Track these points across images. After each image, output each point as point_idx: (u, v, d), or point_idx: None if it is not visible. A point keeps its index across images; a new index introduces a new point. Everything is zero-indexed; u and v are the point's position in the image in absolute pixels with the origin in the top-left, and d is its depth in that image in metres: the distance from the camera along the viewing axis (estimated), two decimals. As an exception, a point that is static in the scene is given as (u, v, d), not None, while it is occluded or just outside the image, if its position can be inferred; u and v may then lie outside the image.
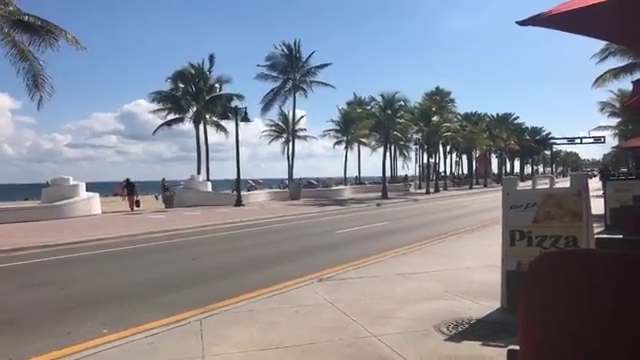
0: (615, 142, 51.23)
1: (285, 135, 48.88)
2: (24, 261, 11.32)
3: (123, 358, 4.44)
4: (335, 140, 53.27)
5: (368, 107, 48.47)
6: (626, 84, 31.22)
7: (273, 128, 51.05)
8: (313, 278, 7.89)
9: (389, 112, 40.68)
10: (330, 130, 52.50)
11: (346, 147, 51.62)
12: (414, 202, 34.73)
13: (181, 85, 37.58)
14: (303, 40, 44.62)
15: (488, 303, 5.65)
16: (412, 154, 63.50)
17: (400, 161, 64.11)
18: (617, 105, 41.75)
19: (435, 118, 48.37)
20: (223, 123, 38.42)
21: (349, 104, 53.91)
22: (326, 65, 43.74)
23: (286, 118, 47.70)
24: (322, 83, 43.38)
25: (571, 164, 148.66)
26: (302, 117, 49.80)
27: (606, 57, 29.08)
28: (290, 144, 45.03)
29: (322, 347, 4.49)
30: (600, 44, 27.61)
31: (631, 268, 1.63)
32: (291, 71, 42.40)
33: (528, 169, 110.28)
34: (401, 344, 4.42)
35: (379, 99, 42.13)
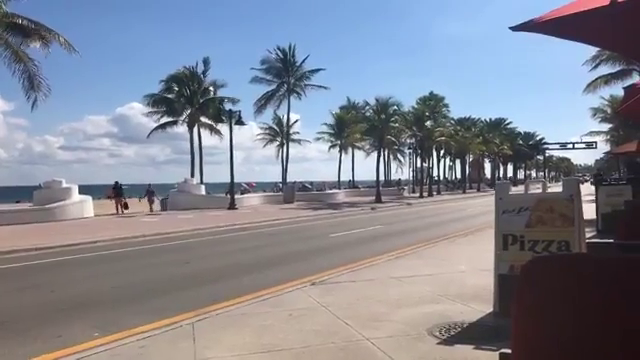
0: (607, 147, 51.60)
1: (279, 138, 48.91)
2: (15, 264, 11.23)
3: (114, 362, 4.40)
4: (330, 144, 53.38)
5: (362, 111, 48.60)
6: (617, 90, 31.53)
7: (267, 131, 51.11)
8: (306, 282, 7.87)
9: (383, 116, 40.78)
10: (324, 133, 52.62)
11: (340, 151, 51.71)
12: (408, 206, 34.78)
13: (175, 88, 37.49)
14: (298, 44, 44.65)
15: (480, 307, 5.67)
16: (406, 158, 63.71)
17: (394, 165, 64.31)
18: (608, 111, 42.10)
19: (429, 123, 48.54)
20: (217, 126, 38.37)
21: (342, 108, 54.04)
22: (320, 70, 43.89)
23: (280, 122, 47.77)
24: (316, 86, 43.47)
25: (563, 169, 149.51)
26: (296, 121, 49.95)
27: (598, 64, 29.37)
28: (284, 147, 45.05)
29: (315, 351, 4.48)
30: (592, 51, 27.89)
31: (622, 272, 1.64)
32: (286, 75, 42.45)
33: (521, 174, 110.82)
34: (394, 348, 4.42)
35: (373, 103, 42.24)
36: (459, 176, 77.07)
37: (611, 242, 4.29)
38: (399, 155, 62.26)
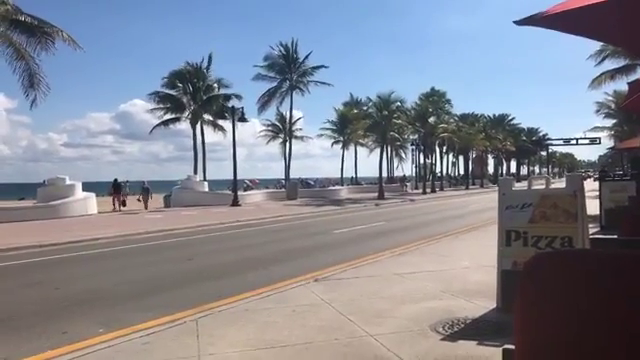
0: (611, 143, 51.53)
1: (282, 135, 48.89)
2: (19, 261, 11.27)
3: (118, 358, 4.42)
4: (332, 140, 53.37)
5: (365, 108, 48.53)
6: (622, 85, 31.39)
7: (270, 128, 51.07)
8: (309, 278, 7.89)
9: (385, 113, 40.71)
10: (327, 130, 52.61)
11: (343, 147, 51.71)
12: (411, 202, 34.76)
13: (179, 84, 37.47)
14: (300, 41, 44.48)
15: (484, 303, 5.67)
16: (408, 155, 63.63)
17: (396, 162, 64.24)
18: (613, 106, 41.96)
19: (432, 119, 48.47)
20: (220, 123, 38.35)
21: (345, 105, 53.97)
22: (322, 67, 43.72)
23: (283, 118, 47.69)
24: (319, 82, 43.38)
25: (567, 165, 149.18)
26: (299, 118, 49.83)
27: (603, 59, 29.22)
28: (287, 144, 45.04)
29: (318, 347, 4.49)
30: (596, 45, 27.72)
31: (626, 267, 1.63)
32: (288, 71, 42.38)
33: (524, 170, 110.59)
34: (397, 344, 4.42)
35: (376, 100, 42.14)
36: (462, 172, 76.99)
37: (615, 238, 4.28)
38: (402, 151, 62.19)
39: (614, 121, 46.87)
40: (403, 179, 57.58)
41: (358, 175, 61.54)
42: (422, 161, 54.83)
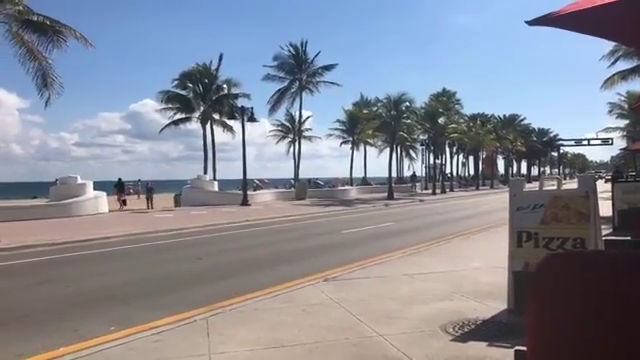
0: (623, 144, 50.99)
1: (291, 135, 48.96)
2: (31, 259, 11.40)
3: (130, 355, 4.46)
4: (341, 140, 53.33)
5: (374, 108, 48.42)
6: (635, 86, 31.08)
7: (279, 128, 51.16)
8: (319, 278, 7.90)
9: (395, 113, 40.62)
10: (336, 130, 52.58)
11: (352, 147, 51.64)
12: (420, 203, 34.65)
13: (189, 85, 37.67)
14: (308, 40, 44.53)
15: (494, 304, 5.64)
16: (418, 155, 63.44)
17: (406, 162, 64.05)
18: (625, 107, 41.54)
19: (441, 119, 48.28)
20: (230, 123, 38.47)
21: (355, 104, 53.91)
22: (332, 66, 43.71)
23: (292, 118, 47.76)
24: (329, 82, 43.38)
25: (578, 166, 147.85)
26: (308, 117, 49.88)
27: (616, 60, 28.94)
28: (296, 144, 45.09)
29: (328, 346, 4.50)
30: (609, 45, 27.47)
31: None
32: (298, 72, 42.42)
33: (535, 171, 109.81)
34: (407, 344, 4.42)
35: (385, 100, 42.06)
36: (472, 173, 76.58)
37: (628, 239, 4.25)
38: (411, 151, 62.00)
39: (627, 122, 46.42)
40: (414, 177, 57.47)
41: (367, 175, 61.45)
42: (432, 161, 54.66)
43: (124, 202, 29.47)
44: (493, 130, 65.76)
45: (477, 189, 59.41)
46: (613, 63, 29.37)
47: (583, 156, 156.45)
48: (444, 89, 54.95)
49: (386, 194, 38.58)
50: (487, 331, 4.75)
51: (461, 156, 73.86)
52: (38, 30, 18.75)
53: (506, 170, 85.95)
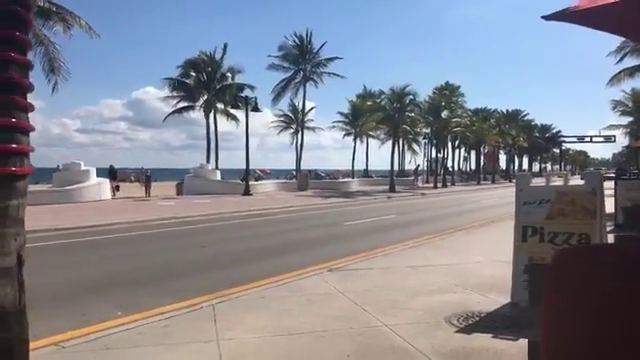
0: (626, 141, 50.87)
1: (294, 126, 48.94)
2: (36, 244, 11.43)
3: (138, 340, 4.52)
4: (344, 132, 53.26)
5: (378, 100, 48.33)
6: (640, 83, 30.96)
7: (282, 119, 51.11)
8: (323, 268, 7.97)
9: (398, 106, 40.57)
10: (339, 122, 52.48)
11: (355, 139, 51.57)
12: (422, 196, 34.70)
13: (192, 73, 37.61)
14: (312, 30, 44.39)
15: (497, 297, 5.70)
16: (421, 148, 63.39)
17: (408, 155, 64.01)
18: (630, 104, 41.44)
19: (445, 113, 48.18)
20: (233, 112, 38.47)
21: (359, 96, 53.78)
22: (336, 58, 43.70)
23: (295, 109, 47.69)
24: (333, 74, 43.31)
25: (580, 162, 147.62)
26: (312, 108, 49.76)
27: (623, 57, 28.84)
28: (299, 135, 45.09)
29: (334, 335, 4.56)
30: (616, 42, 27.34)
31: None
32: (302, 62, 42.33)
33: (536, 166, 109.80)
34: (412, 335, 4.48)
35: (389, 92, 41.98)
36: (473, 167, 76.55)
37: (635, 235, 4.29)
38: (414, 145, 61.94)
39: (630, 119, 46.27)
40: (417, 170, 57.49)
41: (369, 168, 61.46)
42: (434, 155, 54.63)
43: (117, 188, 29.45)
44: (496, 125, 65.66)
45: (478, 184, 59.42)
46: (620, 60, 29.29)
47: (585, 153, 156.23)
48: (447, 83, 54.71)
49: (387, 187, 38.63)
50: (491, 323, 4.81)
51: (463, 150, 73.83)
52: (44, 16, 18.73)
53: (507, 165, 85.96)
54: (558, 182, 5.55)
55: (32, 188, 25.67)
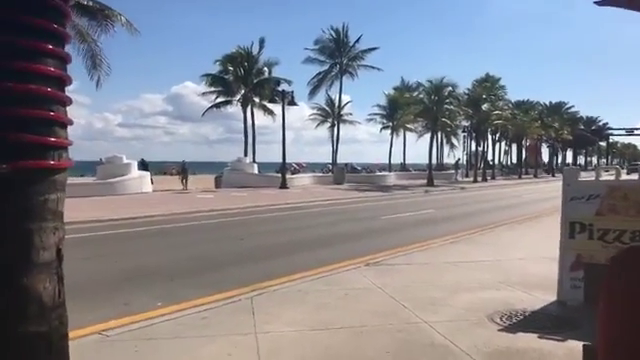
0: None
1: (330, 119, 48.88)
2: (80, 234, 11.81)
3: (179, 330, 4.57)
4: (381, 125, 52.88)
5: (415, 93, 47.67)
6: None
7: (319, 112, 51.14)
8: (360, 262, 7.90)
9: (436, 98, 39.89)
10: (376, 114, 52.11)
11: (392, 133, 51.12)
12: (461, 190, 34.09)
13: (230, 68, 38.02)
14: (349, 23, 44.13)
15: (543, 296, 5.49)
16: (460, 142, 62.26)
17: (446, 149, 62.99)
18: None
19: (485, 105, 47.10)
20: (270, 106, 38.71)
21: (396, 89, 53.22)
22: (373, 49, 43.39)
23: (332, 102, 47.62)
24: (369, 67, 42.98)
25: (629, 156, 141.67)
26: (348, 102, 49.59)
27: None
28: (335, 129, 44.99)
29: (373, 330, 4.49)
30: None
31: None
32: (338, 55, 42.17)
33: (581, 160, 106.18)
34: (453, 332, 4.36)
35: (427, 84, 41.31)
36: (515, 161, 74.61)
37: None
38: (453, 138, 60.86)
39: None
40: (457, 164, 56.59)
41: (406, 161, 60.80)
42: (473, 148, 53.53)
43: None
44: (538, 117, 63.74)
45: (519, 178, 57.90)
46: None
47: (634, 146, 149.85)
48: (488, 75, 53.37)
49: (425, 181, 38.11)
50: (536, 322, 4.63)
51: (504, 144, 72.02)
52: (88, 14, 19.27)
53: (550, 159, 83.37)
54: (608, 177, 5.28)
55: (77, 181, 26.61)
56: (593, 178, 5.38)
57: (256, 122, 39.54)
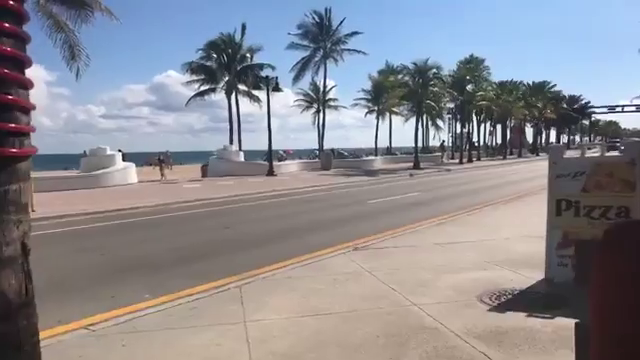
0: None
1: (315, 105, 48.62)
2: (66, 228, 11.66)
3: (167, 322, 4.52)
4: (366, 110, 52.72)
5: (400, 75, 47.52)
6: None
7: (303, 98, 50.83)
8: (348, 247, 7.91)
9: (421, 81, 39.84)
10: (361, 99, 51.90)
11: (377, 117, 51.02)
12: (447, 172, 34.27)
13: (213, 55, 37.51)
14: (332, 5, 43.69)
15: (530, 274, 5.52)
16: (445, 124, 62.45)
17: (432, 131, 63.15)
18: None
19: (469, 87, 47.21)
20: (255, 93, 38.34)
21: (380, 72, 53.00)
22: (357, 33, 42.97)
23: (317, 88, 47.32)
24: (354, 50, 42.66)
25: (610, 133, 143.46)
26: (333, 87, 49.36)
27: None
28: (320, 114, 44.81)
29: (362, 315, 4.48)
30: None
31: None
32: (322, 40, 41.79)
33: (564, 139, 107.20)
34: (443, 314, 4.36)
35: (411, 67, 41.19)
36: (499, 141, 75.08)
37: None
38: (438, 120, 60.99)
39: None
40: (442, 146, 56.79)
41: (392, 145, 60.85)
42: (459, 130, 53.75)
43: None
44: (522, 97, 64.08)
45: (504, 158, 58.37)
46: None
47: (616, 124, 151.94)
48: (472, 55, 53.45)
49: (412, 164, 38.23)
50: (525, 301, 4.65)
51: (488, 124, 72.33)
52: (65, 2, 18.78)
53: (534, 138, 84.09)
54: (593, 154, 5.29)
55: (61, 174, 26.23)
56: (578, 155, 5.38)
57: (241, 110, 39.18)
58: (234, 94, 38.04)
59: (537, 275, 5.40)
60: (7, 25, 1.26)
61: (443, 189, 20.72)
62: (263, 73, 35.13)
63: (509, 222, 9.75)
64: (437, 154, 53.01)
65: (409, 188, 20.76)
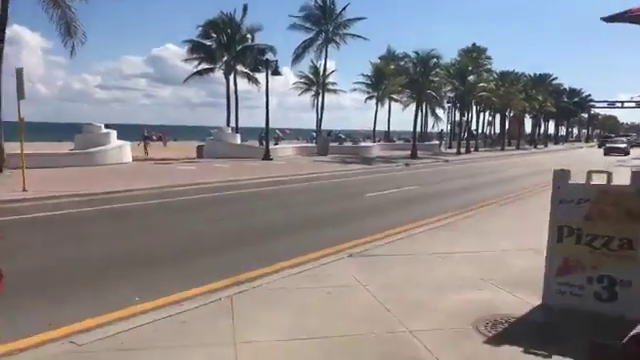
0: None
1: (315, 88, 48.20)
2: (54, 212, 11.46)
3: (155, 338, 4.37)
4: (366, 95, 52.36)
5: (401, 62, 47.04)
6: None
7: (303, 80, 50.37)
8: (343, 250, 7.83)
9: (422, 70, 39.48)
10: (361, 83, 51.48)
11: (377, 103, 50.71)
12: (444, 163, 34.19)
13: (213, 34, 36.90)
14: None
15: (527, 298, 5.42)
16: (444, 112, 62.23)
17: (431, 120, 62.93)
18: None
19: (471, 77, 46.86)
20: (254, 74, 37.83)
21: (382, 58, 52.49)
22: (360, 19, 42.43)
23: (317, 71, 46.86)
24: (356, 35, 42.09)
25: (609, 127, 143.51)
26: (333, 71, 48.87)
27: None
28: (319, 97, 44.42)
29: (355, 341, 4.37)
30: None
31: None
32: (324, 23, 41.17)
33: (563, 131, 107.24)
34: (438, 345, 4.26)
35: (413, 56, 40.75)
36: (498, 132, 74.90)
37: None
38: (440, 107, 60.72)
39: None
40: (441, 135, 56.65)
41: (391, 129, 60.56)
42: (458, 119, 53.52)
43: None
44: (523, 90, 63.75)
45: (502, 149, 58.34)
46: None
47: (615, 118, 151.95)
48: (474, 44, 52.90)
49: (409, 152, 38.09)
50: (521, 333, 4.55)
51: (487, 114, 72.09)
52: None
53: (533, 130, 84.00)
54: (599, 180, 5.14)
55: (55, 150, 25.92)
56: (583, 182, 5.23)
57: (240, 87, 38.75)
58: (233, 74, 37.57)
59: (535, 300, 5.30)
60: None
61: (440, 183, 20.64)
62: (263, 55, 34.72)
63: (507, 230, 9.66)
64: (435, 142, 52.89)
65: (407, 180, 20.64)
